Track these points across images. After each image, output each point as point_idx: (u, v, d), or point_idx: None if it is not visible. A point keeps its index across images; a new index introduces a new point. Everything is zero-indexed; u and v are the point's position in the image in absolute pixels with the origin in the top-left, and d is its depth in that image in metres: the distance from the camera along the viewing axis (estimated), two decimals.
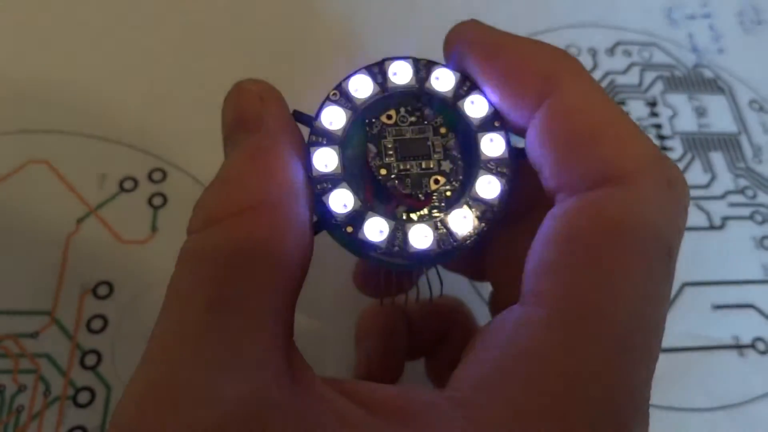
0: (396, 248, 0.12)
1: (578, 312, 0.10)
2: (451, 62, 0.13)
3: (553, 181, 0.12)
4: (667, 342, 0.22)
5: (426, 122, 0.13)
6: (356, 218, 0.12)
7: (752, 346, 0.23)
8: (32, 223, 0.22)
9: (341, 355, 0.21)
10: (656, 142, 0.27)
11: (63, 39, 0.26)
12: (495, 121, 0.13)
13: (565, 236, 0.11)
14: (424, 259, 0.12)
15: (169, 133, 0.24)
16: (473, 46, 0.13)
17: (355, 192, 0.12)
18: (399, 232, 0.12)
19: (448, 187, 0.13)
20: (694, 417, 0.21)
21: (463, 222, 0.12)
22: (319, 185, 0.12)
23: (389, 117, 0.13)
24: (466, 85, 0.13)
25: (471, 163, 0.13)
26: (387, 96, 0.13)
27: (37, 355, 0.20)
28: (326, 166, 0.12)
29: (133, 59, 0.26)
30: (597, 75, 0.28)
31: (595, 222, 0.11)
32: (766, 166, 0.27)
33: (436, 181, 0.13)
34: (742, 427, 0.21)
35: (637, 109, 0.27)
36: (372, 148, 0.13)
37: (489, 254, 0.16)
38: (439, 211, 0.13)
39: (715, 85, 0.28)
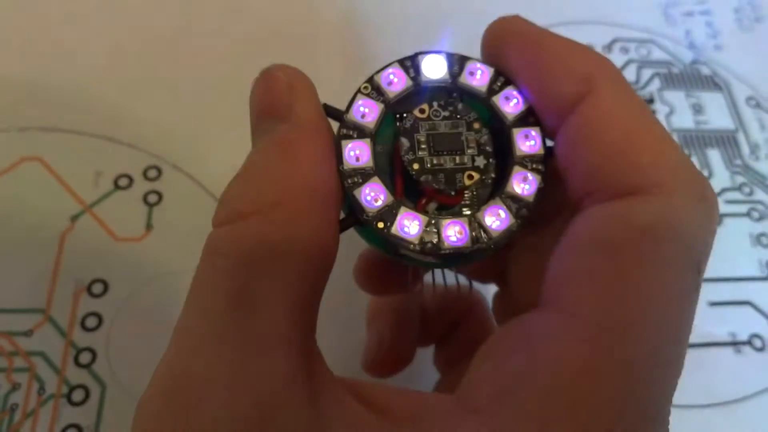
0: (429, 245, 0.12)
1: (606, 324, 0.10)
2: (487, 55, 0.13)
3: (582, 185, 0.11)
4: None
5: (459, 117, 0.13)
6: (388, 214, 0.12)
7: (749, 342, 0.23)
8: (26, 221, 0.22)
9: (342, 350, 0.21)
10: None
11: (57, 36, 0.26)
12: (530, 117, 0.12)
13: (594, 243, 0.11)
14: (458, 257, 0.12)
15: (164, 130, 0.24)
16: (514, 40, 0.12)
17: (387, 187, 0.12)
18: (432, 228, 0.12)
19: (479, 185, 0.13)
20: (691, 414, 0.21)
21: (497, 219, 0.12)
22: (350, 179, 0.12)
23: (422, 111, 0.12)
24: (500, 80, 0.13)
25: (504, 159, 0.12)
26: (419, 90, 0.13)
27: (31, 353, 0.20)
28: (357, 159, 0.12)
29: (129, 56, 0.26)
30: None
31: (626, 230, 0.10)
32: (763, 163, 0.27)
33: (470, 177, 0.12)
34: (739, 424, 0.21)
35: None
36: (405, 142, 0.12)
37: (508, 258, 0.15)
38: (471, 209, 0.12)
39: (712, 82, 0.28)
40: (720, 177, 0.26)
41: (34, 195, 0.22)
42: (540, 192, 0.12)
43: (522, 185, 0.12)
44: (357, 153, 0.12)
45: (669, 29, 0.29)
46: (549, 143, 0.13)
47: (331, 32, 0.27)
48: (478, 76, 0.13)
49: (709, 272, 0.23)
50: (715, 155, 0.27)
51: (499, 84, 0.13)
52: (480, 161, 0.12)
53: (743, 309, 0.23)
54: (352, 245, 0.13)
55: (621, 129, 0.11)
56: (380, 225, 0.12)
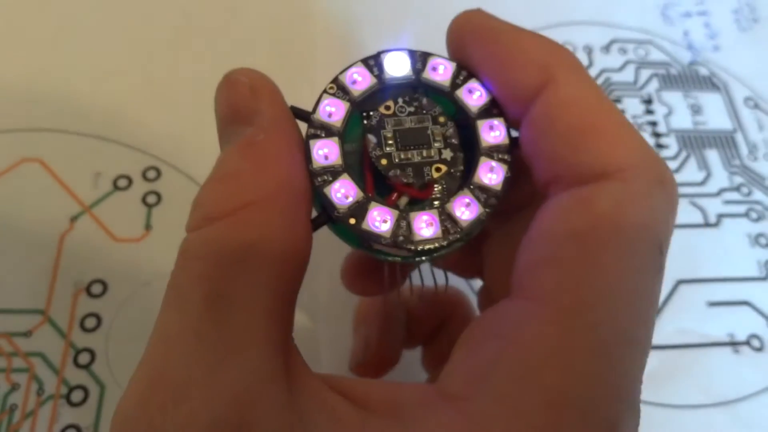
0: (401, 238, 0.12)
1: (572, 307, 0.10)
2: (452, 50, 0.13)
3: (545, 173, 0.12)
4: (662, 339, 0.22)
5: (425, 112, 0.13)
6: (358, 210, 0.12)
7: (747, 343, 0.23)
8: (26, 222, 0.22)
9: (334, 351, 0.21)
10: (651, 139, 0.27)
11: (57, 37, 0.26)
12: (493, 109, 0.13)
13: (558, 232, 0.11)
14: (431, 249, 0.12)
15: (163, 131, 0.24)
16: (475, 32, 0.13)
17: (357, 184, 0.12)
18: (403, 221, 0.12)
19: (448, 178, 0.13)
20: (690, 414, 0.21)
21: (466, 209, 0.12)
22: (319, 178, 0.12)
23: (387, 108, 0.13)
24: (463, 74, 0.13)
25: (472, 152, 0.13)
26: (384, 88, 0.13)
27: (30, 353, 0.20)
28: (326, 158, 0.12)
29: (128, 57, 0.26)
30: (593, 72, 0.28)
31: (588, 217, 0.11)
32: (761, 164, 0.27)
33: (438, 170, 0.12)
34: (737, 424, 0.21)
35: (632, 107, 0.27)
36: (372, 138, 0.12)
37: (484, 250, 0.16)
38: (441, 201, 0.13)
39: (710, 83, 0.28)
40: (718, 177, 0.26)
41: (34, 196, 0.22)
42: (507, 181, 0.12)
43: (489, 175, 0.12)
44: (325, 152, 0.12)
45: (667, 30, 0.30)
46: (514, 134, 0.13)
47: (331, 33, 0.27)
48: (441, 71, 0.13)
49: (707, 272, 0.24)
50: (713, 156, 0.27)
51: (461, 78, 0.13)
52: (447, 154, 0.13)
53: (742, 309, 0.23)
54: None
55: (580, 116, 0.11)
56: (352, 221, 0.12)
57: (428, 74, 0.13)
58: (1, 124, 0.24)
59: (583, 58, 0.28)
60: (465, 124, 0.13)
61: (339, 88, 0.13)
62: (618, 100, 0.28)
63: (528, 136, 0.12)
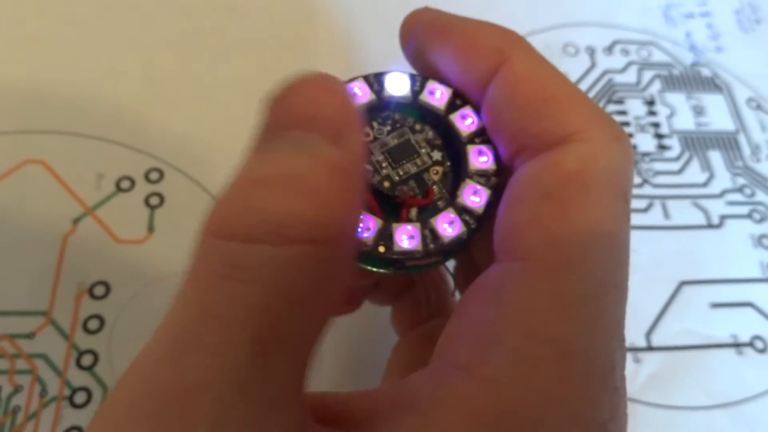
0: (431, 246, 0.12)
1: (559, 261, 0.11)
2: (407, 50, 0.14)
3: (511, 147, 0.12)
4: (665, 340, 0.22)
5: (399, 126, 0.13)
6: (383, 236, 0.12)
7: (750, 344, 0.23)
8: (28, 223, 0.22)
9: (336, 349, 0.21)
10: (654, 140, 0.27)
11: (60, 38, 0.26)
12: (483, 135, 0.13)
13: (533, 194, 0.11)
14: (458, 246, 0.13)
15: (166, 133, 0.24)
16: (428, 29, 0.13)
17: (371, 212, 0.12)
18: (426, 230, 0.12)
19: (443, 178, 0.13)
20: (693, 415, 0.21)
21: (449, 226, 0.12)
22: None
23: (367, 135, 0.13)
24: (458, 100, 0.13)
25: (451, 145, 0.13)
26: (380, 107, 0.13)
27: (33, 355, 0.20)
28: None
29: (131, 59, 0.26)
30: (595, 74, 0.28)
31: (558, 177, 0.11)
32: (764, 165, 0.27)
33: (436, 172, 0.13)
34: (741, 426, 0.21)
35: (635, 108, 0.27)
36: (366, 168, 0.13)
37: None
38: (443, 199, 0.13)
39: (713, 84, 0.28)
40: (721, 178, 0.26)
41: (37, 197, 0.22)
42: (490, 204, 0.13)
43: (473, 198, 0.13)
44: None
45: (669, 31, 0.30)
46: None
47: (333, 34, 0.27)
48: (438, 96, 0.13)
49: (710, 273, 0.24)
50: (716, 157, 0.27)
51: (457, 104, 0.13)
52: (436, 155, 0.13)
53: (745, 310, 0.23)
54: None
55: (536, 88, 0.12)
56: (381, 249, 0.12)
57: (425, 98, 0.13)
58: (4, 125, 0.24)
59: (585, 60, 0.28)
60: (435, 123, 0.13)
61: None
62: (620, 101, 0.28)
63: (490, 115, 0.13)
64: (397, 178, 0.13)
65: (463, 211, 0.13)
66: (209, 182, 0.23)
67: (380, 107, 0.13)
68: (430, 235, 0.12)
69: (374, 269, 0.13)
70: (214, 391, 0.08)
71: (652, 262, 0.24)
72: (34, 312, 0.21)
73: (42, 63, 0.25)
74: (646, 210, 0.25)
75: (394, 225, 0.12)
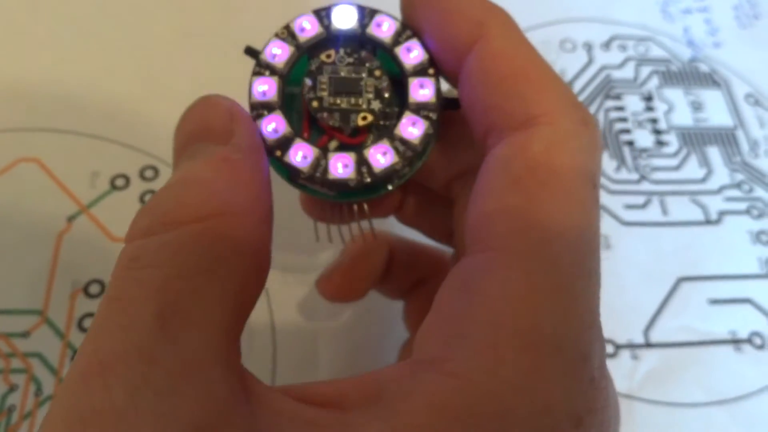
0: (318, 174, 0.13)
1: (528, 249, 0.11)
2: (403, 12, 0.14)
3: (481, 124, 0.12)
4: (663, 337, 0.22)
5: (362, 64, 0.14)
6: (284, 143, 0.13)
7: (749, 340, 0.23)
8: (23, 222, 0.22)
9: (332, 350, 0.21)
10: (652, 136, 0.27)
11: (54, 36, 0.26)
12: (429, 68, 0.13)
13: (501, 182, 0.11)
14: (345, 190, 0.13)
15: (161, 130, 0.24)
16: None
17: (289, 121, 0.13)
18: (323, 160, 0.13)
19: (376, 128, 0.13)
20: (691, 411, 0.21)
21: (382, 157, 0.13)
22: (256, 111, 0.13)
23: (328, 56, 0.14)
24: (406, 33, 0.14)
25: (402, 107, 0.13)
26: (330, 38, 0.14)
27: (28, 354, 0.20)
28: (264, 94, 0.13)
29: (125, 56, 0.26)
30: (592, 69, 0.28)
31: (525, 162, 0.11)
32: (762, 161, 0.26)
33: (364, 118, 0.13)
34: (739, 422, 0.21)
35: (632, 104, 0.27)
36: (308, 81, 0.13)
37: (454, 214, 0.16)
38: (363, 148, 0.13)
39: (711, 80, 0.28)
40: (719, 174, 0.26)
41: (31, 196, 0.22)
42: (427, 137, 0.13)
43: (410, 129, 0.13)
44: (264, 89, 0.13)
45: (667, 26, 0.29)
46: (454, 95, 0.14)
47: None
48: (385, 28, 0.14)
49: (708, 270, 0.24)
50: (714, 153, 0.26)
51: (404, 37, 0.14)
52: (376, 105, 0.13)
53: (743, 307, 0.23)
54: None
55: (510, 66, 0.12)
56: (278, 153, 0.13)
57: (372, 30, 0.14)
58: None
59: (582, 55, 0.28)
60: (402, 80, 0.14)
61: (288, 34, 0.14)
62: (618, 97, 0.27)
63: (464, 88, 0.13)
64: (326, 104, 0.13)
65: (399, 141, 0.13)
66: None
67: (333, 40, 0.14)
68: (364, 163, 0.13)
69: (313, 193, 0.13)
70: (126, 362, 0.09)
71: (650, 259, 0.24)
72: (28, 311, 0.21)
73: (36, 61, 0.25)
74: (644, 206, 0.25)
75: (330, 153, 0.13)
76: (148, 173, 0.23)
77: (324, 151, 0.13)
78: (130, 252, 0.10)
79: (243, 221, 0.10)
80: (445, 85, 0.14)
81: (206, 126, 0.12)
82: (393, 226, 0.18)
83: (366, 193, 0.13)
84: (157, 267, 0.10)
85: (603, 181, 0.25)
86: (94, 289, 0.21)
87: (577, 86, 0.27)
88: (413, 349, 0.11)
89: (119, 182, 0.23)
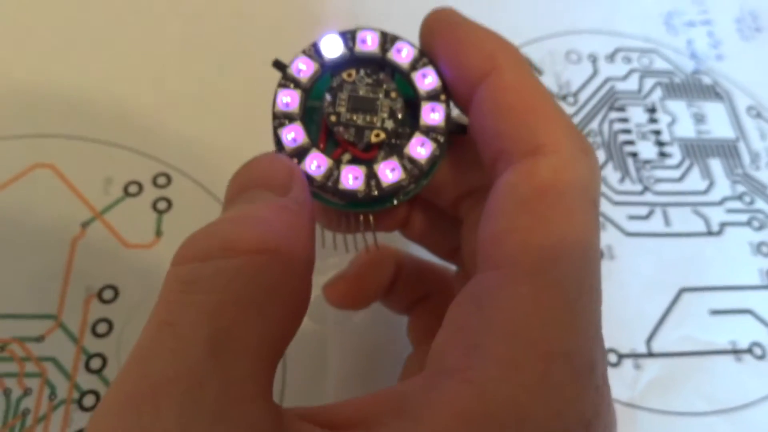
0: (330, 184, 0.13)
1: (537, 267, 0.11)
2: (422, 39, 0.15)
3: (491, 150, 0.13)
4: (665, 346, 0.23)
5: (380, 86, 0.14)
6: (301, 152, 0.14)
7: (749, 351, 0.23)
8: (37, 227, 0.22)
9: (342, 354, 0.21)
10: (655, 148, 0.27)
11: (69, 43, 0.26)
12: (442, 95, 0.14)
13: (510, 204, 0.12)
14: (353, 200, 0.14)
15: (174, 137, 0.24)
16: (440, 24, 0.14)
17: (308, 132, 0.14)
18: (335, 170, 0.14)
19: (388, 147, 0.14)
20: (692, 421, 0.22)
21: (391, 172, 0.14)
22: (277, 120, 0.14)
23: (349, 75, 0.15)
24: (423, 60, 0.14)
25: (414, 128, 0.14)
26: (353, 58, 0.15)
27: (42, 358, 0.20)
28: (287, 105, 0.14)
29: (139, 63, 0.26)
30: (597, 81, 0.28)
31: (533, 186, 0.12)
32: (763, 173, 0.27)
33: (377, 135, 0.14)
34: (739, 431, 0.22)
35: (636, 116, 0.28)
36: (328, 97, 0.14)
37: (461, 233, 0.16)
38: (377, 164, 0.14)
39: (713, 92, 0.29)
40: (721, 186, 0.26)
41: (46, 201, 0.23)
42: (434, 158, 0.14)
43: (419, 149, 0.14)
44: (288, 100, 0.14)
45: (671, 39, 0.30)
46: (463, 121, 0.14)
47: None
48: (404, 54, 0.15)
49: (709, 281, 0.24)
50: (716, 164, 0.27)
51: (421, 63, 0.15)
52: (389, 124, 0.14)
53: (744, 317, 0.24)
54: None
55: (520, 98, 0.13)
56: (294, 161, 0.13)
57: (392, 55, 0.15)
58: (13, 129, 0.24)
59: (587, 67, 0.29)
60: (416, 104, 0.14)
61: (315, 51, 0.15)
62: (622, 109, 0.28)
63: (475, 116, 0.14)
64: (344, 119, 0.14)
65: (407, 159, 0.14)
66: (217, 187, 0.24)
67: (378, 63, 0.15)
68: (373, 177, 0.14)
69: (324, 201, 0.14)
70: (177, 386, 0.09)
71: (652, 269, 0.24)
72: (43, 315, 0.21)
73: (51, 68, 0.25)
74: (647, 217, 0.25)
75: (343, 165, 0.14)
76: (161, 180, 0.24)
77: (337, 163, 0.14)
78: (184, 275, 0.10)
79: (295, 263, 0.11)
80: (455, 111, 0.15)
81: (267, 177, 0.13)
82: (399, 242, 0.19)
83: (372, 205, 0.14)
84: (213, 292, 0.10)
85: (607, 191, 0.26)
86: (108, 294, 0.21)
87: (582, 97, 0.28)
88: (427, 361, 0.12)
89: (132, 189, 0.23)
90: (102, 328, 0.21)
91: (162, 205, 0.23)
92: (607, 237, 0.25)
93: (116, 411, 0.09)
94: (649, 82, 0.29)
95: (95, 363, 0.20)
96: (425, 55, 0.15)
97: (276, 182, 0.12)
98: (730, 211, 0.26)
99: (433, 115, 0.14)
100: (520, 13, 0.29)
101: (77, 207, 0.23)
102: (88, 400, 0.20)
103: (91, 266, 0.22)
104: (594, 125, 0.27)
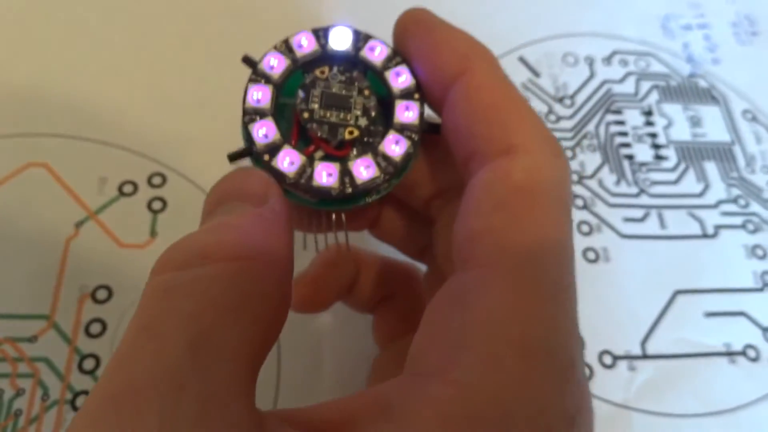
0: (303, 181, 0.13)
1: (514, 267, 0.11)
2: (396, 40, 0.15)
3: (464, 149, 0.13)
4: (659, 348, 0.23)
5: (353, 83, 0.14)
6: (273, 149, 0.13)
7: (743, 353, 0.23)
8: (31, 227, 0.22)
9: (337, 349, 0.21)
10: (651, 151, 0.27)
11: (63, 42, 0.26)
12: (415, 93, 0.14)
13: (485, 205, 0.12)
14: (327, 198, 0.14)
15: (169, 137, 0.24)
16: (414, 24, 0.14)
17: (279, 128, 0.14)
18: (309, 167, 0.13)
19: (361, 144, 0.14)
20: (686, 423, 0.22)
21: (365, 170, 0.14)
22: (248, 116, 0.14)
23: (322, 72, 0.14)
24: (396, 59, 0.14)
25: (387, 127, 0.14)
26: (325, 56, 0.14)
27: (35, 359, 0.20)
28: (258, 101, 0.14)
29: (134, 63, 0.26)
30: (594, 83, 0.28)
31: (508, 188, 0.12)
32: (758, 176, 0.27)
33: (351, 132, 0.14)
34: None
35: (632, 118, 0.28)
36: (301, 93, 0.14)
37: (433, 233, 0.16)
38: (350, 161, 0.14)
39: (709, 95, 0.29)
40: (716, 189, 0.26)
41: (40, 201, 0.22)
42: (408, 155, 0.14)
43: (393, 147, 0.14)
44: (259, 96, 0.14)
45: (668, 42, 0.30)
46: (436, 120, 0.14)
47: None
48: (377, 53, 0.14)
49: (704, 283, 0.24)
50: (711, 167, 0.27)
51: (394, 62, 0.14)
52: (362, 121, 0.14)
53: (738, 320, 0.24)
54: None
55: (493, 98, 0.13)
56: (266, 157, 0.13)
57: (365, 53, 0.14)
58: (7, 128, 0.24)
59: (584, 69, 0.29)
60: (389, 102, 0.14)
61: (286, 48, 0.14)
62: (619, 111, 0.28)
63: (448, 116, 0.14)
64: (317, 116, 0.14)
65: (381, 157, 0.14)
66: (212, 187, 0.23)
67: (351, 61, 0.14)
68: (347, 174, 0.13)
69: (295, 200, 0.14)
70: (158, 388, 0.09)
71: (648, 271, 0.24)
72: (36, 315, 0.21)
73: (45, 67, 0.25)
74: (642, 219, 0.25)
75: (316, 162, 0.13)
76: (156, 180, 0.23)
77: (310, 160, 0.14)
78: (164, 282, 0.10)
79: (272, 269, 0.11)
80: (426, 111, 0.15)
81: (243, 189, 0.13)
82: (367, 241, 0.19)
83: (345, 203, 0.14)
84: (191, 298, 0.10)
85: (603, 194, 0.26)
86: (102, 294, 0.21)
87: (578, 100, 0.28)
88: (407, 362, 0.12)
89: (127, 188, 0.23)
90: (95, 328, 0.21)
91: (157, 205, 0.23)
92: (603, 239, 0.25)
93: (98, 413, 0.09)
94: (645, 85, 0.29)
95: (88, 363, 0.20)
96: (398, 54, 0.14)
97: (252, 194, 0.12)
98: (725, 213, 0.26)
99: (407, 113, 0.14)
100: (517, 15, 0.29)
101: (71, 206, 0.22)
102: (81, 401, 0.20)
103: (85, 266, 0.22)
104: (590, 127, 0.27)
